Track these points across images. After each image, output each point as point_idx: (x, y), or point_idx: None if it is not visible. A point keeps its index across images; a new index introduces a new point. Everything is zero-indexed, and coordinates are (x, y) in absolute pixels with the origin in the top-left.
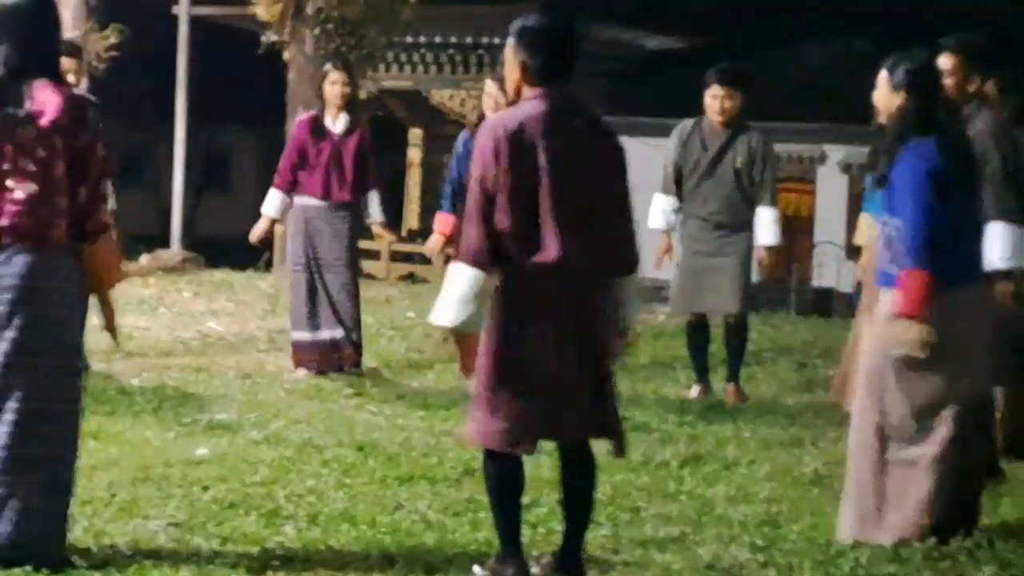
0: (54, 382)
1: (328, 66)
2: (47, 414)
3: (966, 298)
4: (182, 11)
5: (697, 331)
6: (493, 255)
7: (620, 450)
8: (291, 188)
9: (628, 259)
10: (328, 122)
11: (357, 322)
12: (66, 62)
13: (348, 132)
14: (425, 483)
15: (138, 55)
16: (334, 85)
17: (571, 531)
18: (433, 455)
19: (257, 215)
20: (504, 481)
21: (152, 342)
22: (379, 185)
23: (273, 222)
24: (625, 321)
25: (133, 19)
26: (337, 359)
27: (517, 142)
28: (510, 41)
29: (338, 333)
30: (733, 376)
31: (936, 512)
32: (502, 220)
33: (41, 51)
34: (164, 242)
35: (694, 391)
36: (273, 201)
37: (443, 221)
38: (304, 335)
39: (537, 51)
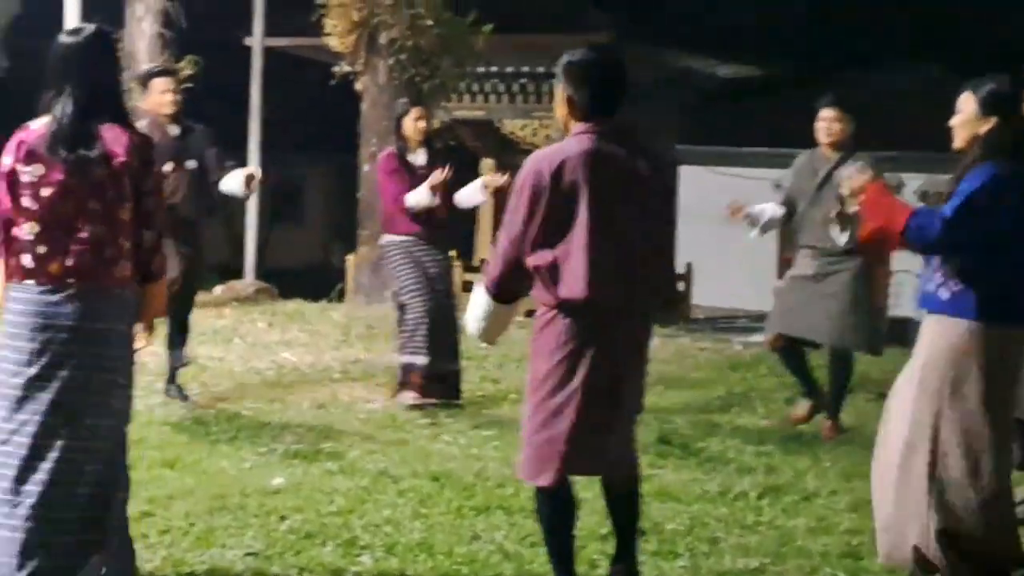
0: (101, 422)
1: (405, 101)
2: (91, 453)
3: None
4: (255, 43)
5: (789, 355)
6: (512, 288)
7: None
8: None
9: (664, 295)
10: (410, 157)
11: (457, 351)
12: (162, 83)
13: (430, 164)
14: (501, 513)
15: (211, 87)
16: (416, 121)
17: (621, 560)
18: (509, 485)
19: (327, 246)
20: (553, 514)
21: (227, 372)
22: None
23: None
24: None
25: (206, 51)
26: (432, 389)
27: (556, 178)
28: (557, 75)
29: (423, 361)
30: (833, 412)
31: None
32: (536, 255)
33: (107, 90)
34: (236, 272)
35: (800, 408)
36: (421, 191)
37: None
38: (414, 359)
39: (582, 85)
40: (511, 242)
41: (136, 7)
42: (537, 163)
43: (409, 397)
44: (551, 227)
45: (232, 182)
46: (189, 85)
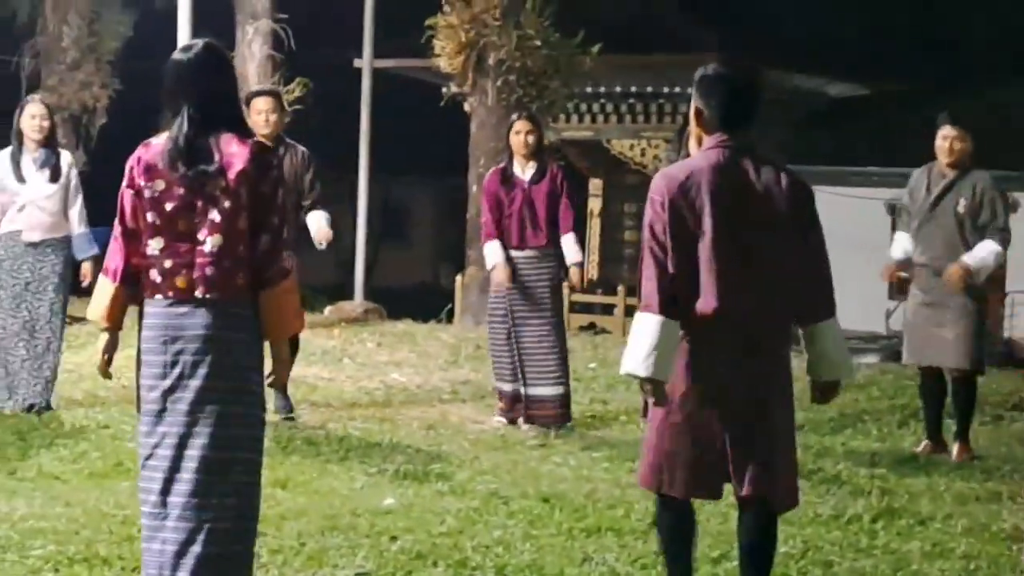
0: (235, 431)
1: (514, 116)
2: (229, 463)
3: None
4: (365, 64)
5: (928, 384)
6: (673, 301)
7: (785, 504)
8: (500, 236)
9: (817, 307)
10: (517, 171)
11: (558, 375)
12: (263, 102)
13: (538, 179)
14: (612, 535)
15: (320, 108)
16: (518, 135)
17: None
18: (619, 507)
19: (435, 266)
20: (673, 527)
21: (336, 392)
22: (575, 228)
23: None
24: (829, 370)
25: (316, 73)
26: (522, 412)
27: (684, 193)
28: (693, 90)
29: (523, 387)
30: (960, 434)
31: None
32: (670, 270)
33: (222, 102)
34: (344, 293)
35: (921, 446)
36: (494, 250)
37: None
38: (501, 385)
39: (711, 99)
40: (652, 256)
41: (246, 29)
42: (664, 179)
43: (494, 421)
44: (680, 242)
45: (312, 223)
46: (299, 107)
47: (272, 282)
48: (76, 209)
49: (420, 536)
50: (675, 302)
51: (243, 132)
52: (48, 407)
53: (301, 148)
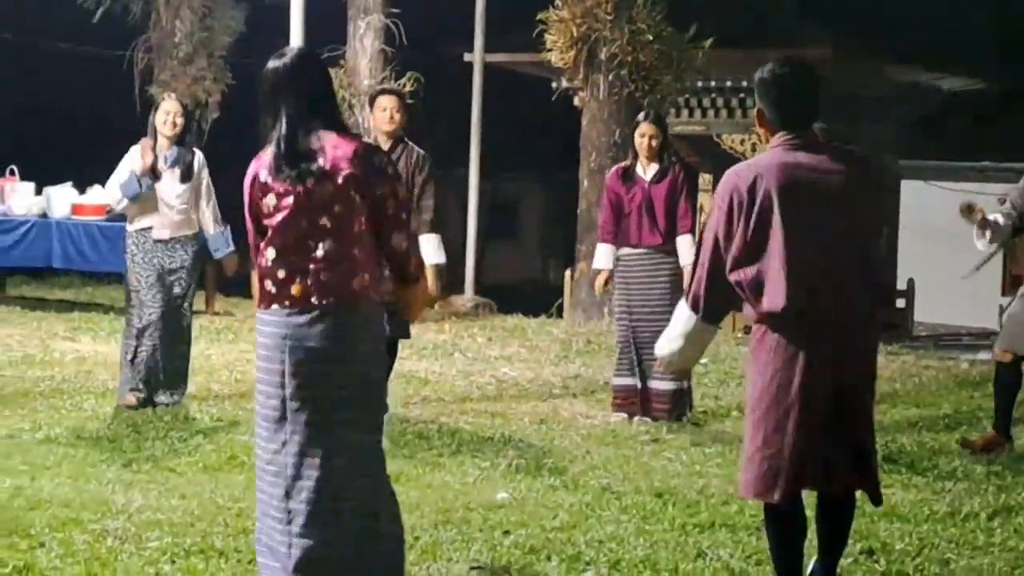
0: (357, 437)
1: (639, 116)
2: (352, 469)
3: None
4: (476, 58)
5: (1008, 375)
6: (716, 305)
7: (877, 498)
8: (615, 239)
9: (873, 301)
10: (639, 170)
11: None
12: (387, 100)
13: (659, 178)
14: (726, 531)
15: (432, 103)
16: (643, 137)
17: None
18: (733, 503)
19: (544, 262)
20: (781, 531)
21: (448, 387)
22: (692, 230)
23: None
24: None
25: (427, 67)
26: (640, 406)
27: (751, 192)
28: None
29: (637, 382)
30: None
31: None
32: (738, 270)
33: (322, 106)
34: (452, 288)
35: (984, 436)
36: (602, 253)
37: None
38: (619, 380)
39: (771, 98)
40: (708, 256)
41: (358, 24)
42: (732, 178)
43: (613, 417)
44: (749, 241)
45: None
46: (410, 102)
47: (415, 278)
48: (210, 209)
49: (533, 530)
50: (719, 307)
51: (346, 132)
52: (177, 402)
53: (418, 150)
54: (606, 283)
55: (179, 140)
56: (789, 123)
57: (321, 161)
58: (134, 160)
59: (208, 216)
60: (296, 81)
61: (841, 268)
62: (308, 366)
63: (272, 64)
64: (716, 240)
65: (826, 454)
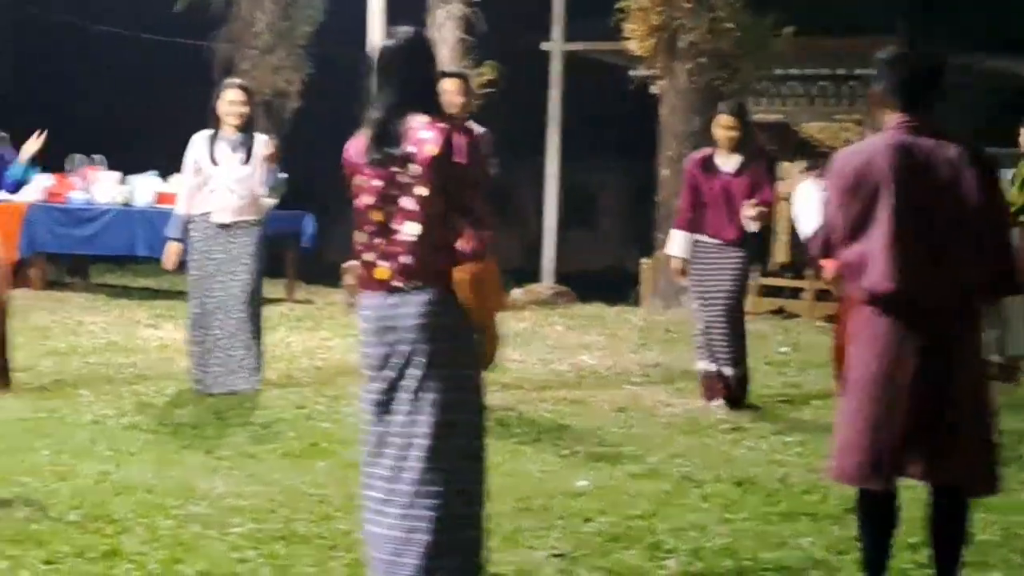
0: (455, 417)
1: (720, 106)
2: (451, 450)
3: None
4: (555, 47)
5: None
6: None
7: (978, 490)
8: (691, 226)
9: (999, 283)
10: (719, 161)
11: (735, 358)
12: (450, 83)
13: (739, 172)
14: (808, 520)
15: (510, 92)
16: (722, 129)
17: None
18: (814, 492)
19: (622, 250)
20: (872, 520)
21: (527, 374)
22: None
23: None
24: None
25: (506, 56)
26: (718, 392)
27: (861, 173)
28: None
29: (712, 367)
30: None
31: None
32: (845, 251)
33: (422, 90)
34: (531, 276)
35: None
36: (677, 240)
37: None
38: (701, 365)
39: (890, 81)
40: (823, 236)
41: (437, 14)
42: (843, 159)
43: (712, 405)
44: (857, 222)
45: None
46: (490, 90)
47: (475, 257)
48: (260, 175)
49: (614, 518)
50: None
51: (440, 117)
52: (251, 388)
53: (483, 130)
54: (683, 272)
55: (244, 127)
56: (906, 105)
57: (407, 144)
58: (198, 150)
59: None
60: (403, 62)
61: (951, 255)
62: (403, 347)
63: (386, 43)
64: (825, 220)
65: (928, 443)
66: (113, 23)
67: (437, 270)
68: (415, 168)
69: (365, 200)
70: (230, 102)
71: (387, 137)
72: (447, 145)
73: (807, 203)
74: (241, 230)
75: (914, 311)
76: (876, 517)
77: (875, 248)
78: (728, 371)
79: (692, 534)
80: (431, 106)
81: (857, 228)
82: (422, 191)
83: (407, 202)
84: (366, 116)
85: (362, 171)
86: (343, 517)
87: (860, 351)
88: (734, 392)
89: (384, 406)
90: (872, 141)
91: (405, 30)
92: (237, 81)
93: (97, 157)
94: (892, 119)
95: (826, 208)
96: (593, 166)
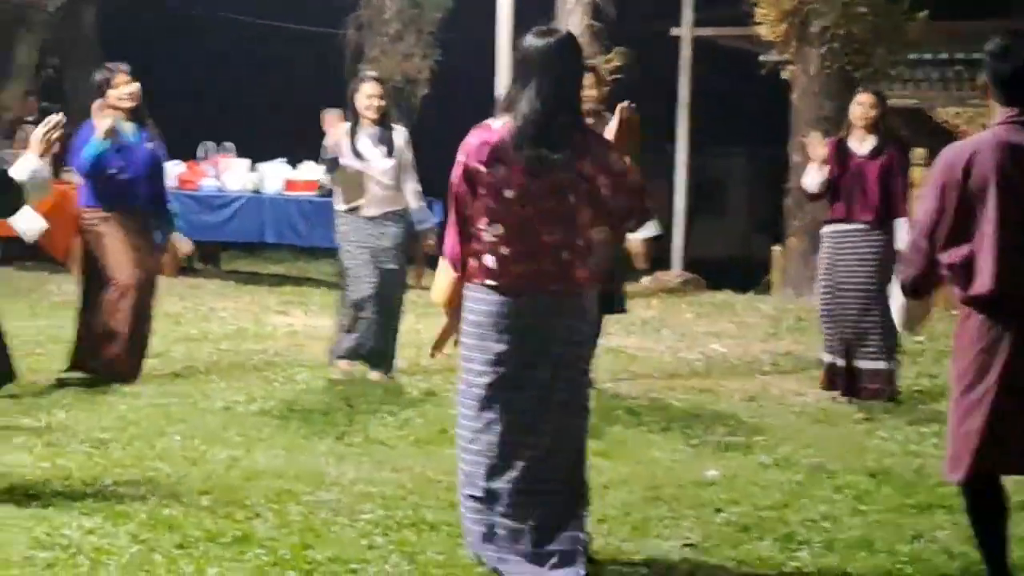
0: (567, 418)
1: (859, 88)
2: (560, 449)
3: None
4: (685, 33)
5: None
6: (926, 284)
7: None
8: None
9: None
10: (853, 144)
11: (883, 350)
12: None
13: (874, 154)
14: (944, 512)
15: (639, 78)
16: (860, 106)
17: None
18: (950, 484)
19: (750, 237)
20: (976, 512)
21: (656, 363)
22: (907, 212)
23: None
24: None
25: (635, 42)
26: (844, 386)
27: (967, 171)
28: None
29: (841, 361)
30: None
31: None
32: (948, 251)
33: (571, 92)
34: (660, 264)
35: None
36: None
37: None
38: (826, 357)
39: (997, 72)
40: (923, 237)
41: (567, 0)
42: (947, 156)
43: (826, 395)
44: (961, 221)
45: None
46: (618, 76)
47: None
48: (411, 185)
49: (745, 508)
50: (926, 285)
51: (582, 124)
52: (387, 378)
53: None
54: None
55: (381, 120)
56: (1014, 100)
57: (562, 149)
58: (335, 135)
59: (411, 193)
60: (559, 62)
61: None
62: (525, 346)
63: (536, 41)
64: (927, 218)
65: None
66: (243, 11)
67: (573, 276)
68: (570, 173)
69: (508, 194)
70: (368, 96)
71: (543, 137)
72: (597, 157)
73: None
74: (389, 221)
75: (1016, 310)
76: (976, 510)
77: (980, 249)
78: (880, 365)
79: (825, 525)
80: (577, 105)
81: (962, 228)
82: (571, 198)
83: (554, 205)
84: (515, 112)
85: (507, 161)
86: None
87: (961, 349)
88: (885, 388)
89: (490, 403)
90: (978, 138)
91: (559, 30)
92: (372, 74)
93: (227, 145)
94: (1000, 114)
95: (927, 208)
96: (722, 152)
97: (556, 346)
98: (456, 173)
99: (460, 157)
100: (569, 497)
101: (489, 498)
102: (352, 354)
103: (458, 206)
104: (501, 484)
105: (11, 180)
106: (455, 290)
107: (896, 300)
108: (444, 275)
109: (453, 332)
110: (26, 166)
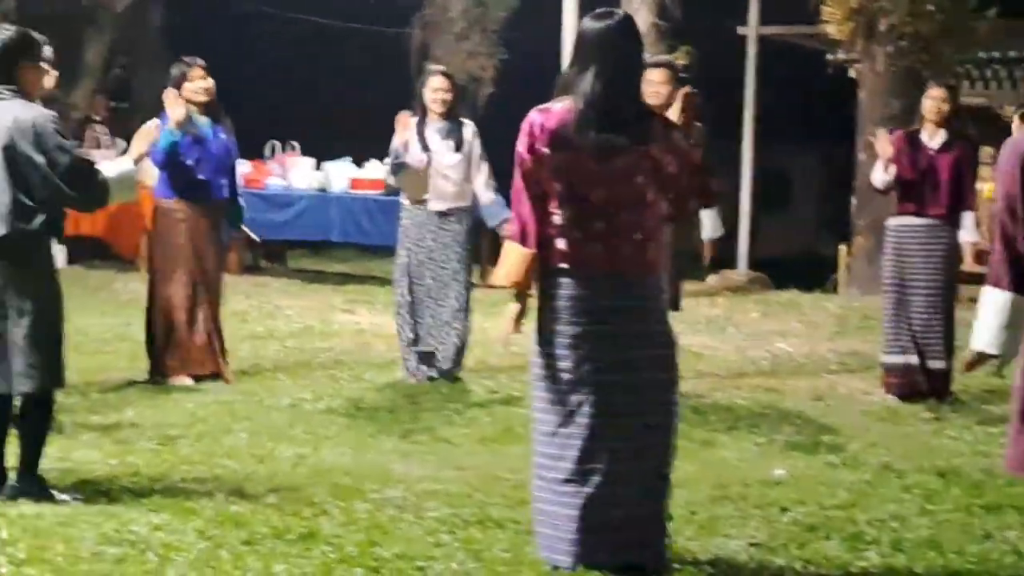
0: (651, 396)
1: (931, 82)
2: (647, 428)
3: None
4: (751, 31)
5: None
6: (1018, 275)
7: None
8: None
9: None
10: (924, 138)
11: (946, 349)
12: (657, 74)
13: (944, 149)
14: (1014, 513)
15: (705, 76)
16: (932, 100)
17: None
18: (1020, 484)
19: (817, 236)
20: None
21: (721, 361)
22: (975, 206)
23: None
24: None
25: (700, 40)
26: (917, 385)
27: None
28: None
29: (914, 359)
30: None
31: None
32: (1020, 246)
33: (634, 76)
34: (726, 263)
35: None
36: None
37: None
38: (889, 358)
39: None
40: (1001, 228)
41: None
42: (1015, 146)
43: (888, 397)
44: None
45: None
46: (684, 75)
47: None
48: (483, 178)
49: (811, 508)
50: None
51: (646, 104)
52: (454, 376)
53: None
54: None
55: (448, 114)
56: None
57: (628, 131)
58: (402, 135)
59: (482, 186)
60: (619, 44)
61: None
62: (602, 328)
63: (597, 23)
64: (1005, 213)
65: None
66: (308, 11)
67: (645, 258)
68: (635, 157)
69: (575, 177)
70: (435, 89)
71: (609, 120)
72: (664, 139)
73: None
74: (454, 217)
75: None
76: None
77: None
78: (937, 365)
79: (893, 525)
80: (638, 86)
81: None
82: (639, 180)
83: (623, 188)
84: (575, 93)
85: (571, 144)
86: None
87: None
88: (939, 386)
89: (574, 387)
90: None
91: (618, 12)
92: (440, 68)
93: (293, 144)
94: None
95: (1001, 204)
96: (788, 151)
97: (636, 325)
98: (522, 152)
99: (524, 137)
100: (656, 481)
101: (580, 479)
102: (426, 362)
103: (530, 187)
104: (593, 464)
105: (97, 175)
106: (528, 268)
107: (991, 315)
108: (513, 254)
109: (523, 316)
110: (119, 167)
